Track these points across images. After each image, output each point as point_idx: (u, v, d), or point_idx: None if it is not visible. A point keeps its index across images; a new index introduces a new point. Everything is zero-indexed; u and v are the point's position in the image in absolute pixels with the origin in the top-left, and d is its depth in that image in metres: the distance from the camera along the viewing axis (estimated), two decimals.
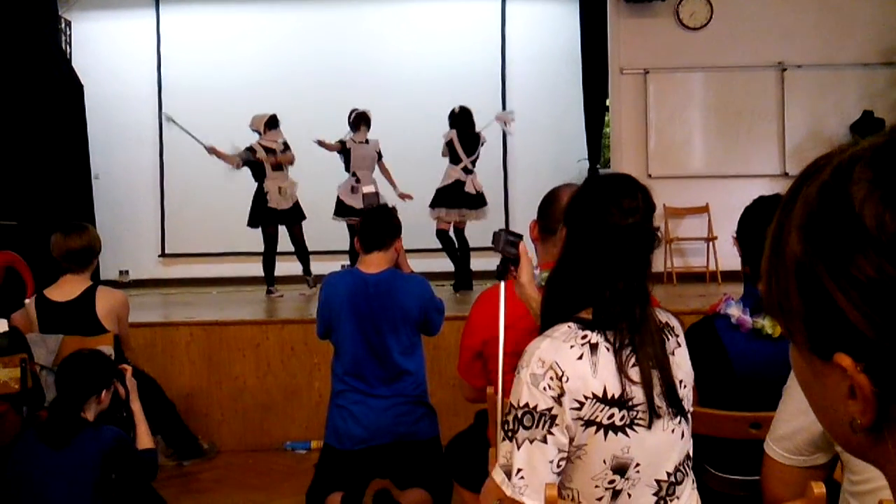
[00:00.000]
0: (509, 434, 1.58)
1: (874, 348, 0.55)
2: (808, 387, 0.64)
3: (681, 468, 1.65)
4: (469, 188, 7.03)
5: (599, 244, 1.65)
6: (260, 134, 7.14)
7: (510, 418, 1.59)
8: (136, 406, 3.06)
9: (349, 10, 9.35)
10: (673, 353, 1.67)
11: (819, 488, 1.52)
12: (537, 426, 1.55)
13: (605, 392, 1.56)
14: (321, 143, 7.32)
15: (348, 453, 3.24)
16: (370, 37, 9.31)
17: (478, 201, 7.14)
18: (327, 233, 7.80)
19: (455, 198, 7.04)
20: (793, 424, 1.62)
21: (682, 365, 1.68)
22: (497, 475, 1.59)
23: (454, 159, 7.08)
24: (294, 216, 7.18)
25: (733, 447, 2.05)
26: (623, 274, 1.63)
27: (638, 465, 1.60)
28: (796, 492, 1.60)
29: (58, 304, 3.73)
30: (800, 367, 0.64)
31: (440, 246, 7.33)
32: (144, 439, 3.00)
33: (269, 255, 7.17)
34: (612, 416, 1.57)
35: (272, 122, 7.16)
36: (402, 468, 3.27)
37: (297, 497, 3.66)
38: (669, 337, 1.69)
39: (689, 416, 1.68)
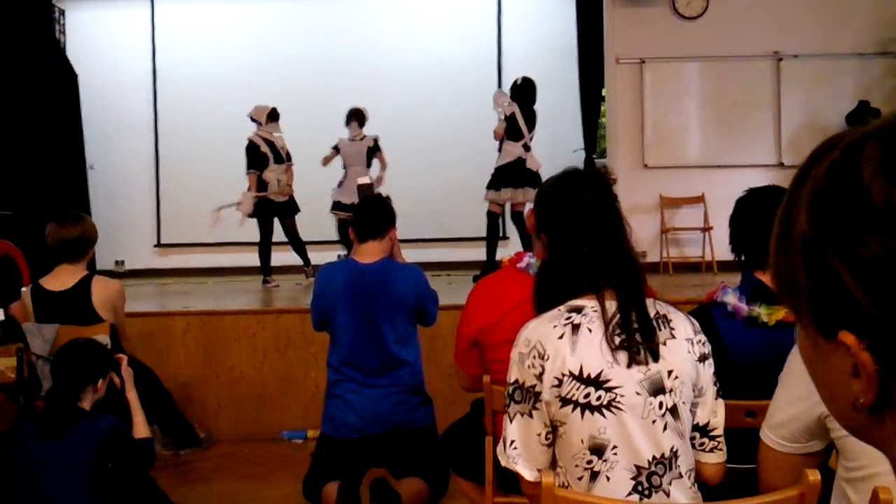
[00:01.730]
0: (506, 408, 1.72)
1: (878, 326, 0.55)
2: (813, 367, 0.64)
3: (663, 461, 1.64)
4: (531, 165, 6.60)
5: (570, 221, 1.77)
6: (259, 124, 7.12)
7: (506, 393, 1.71)
8: (132, 395, 3.05)
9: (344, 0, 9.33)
10: (664, 344, 1.68)
11: (814, 475, 1.52)
12: (525, 401, 1.66)
13: (581, 370, 1.61)
14: (326, 162, 7.44)
15: (345, 442, 3.25)
16: (366, 26, 9.28)
17: (538, 180, 6.53)
18: (323, 223, 7.80)
19: (519, 176, 6.58)
20: (788, 412, 1.63)
21: (676, 355, 1.68)
22: (500, 445, 1.73)
23: (515, 136, 6.60)
24: (288, 209, 7.17)
25: (729, 435, 2.06)
26: (599, 229, 1.73)
27: (615, 447, 1.62)
28: (791, 479, 1.60)
29: (53, 293, 3.72)
30: (805, 347, 0.64)
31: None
32: (141, 428, 3.00)
33: (266, 245, 7.17)
34: (588, 395, 1.61)
35: (273, 115, 7.15)
36: (398, 457, 3.28)
37: (294, 486, 3.67)
38: (663, 327, 1.70)
39: (679, 411, 1.66)
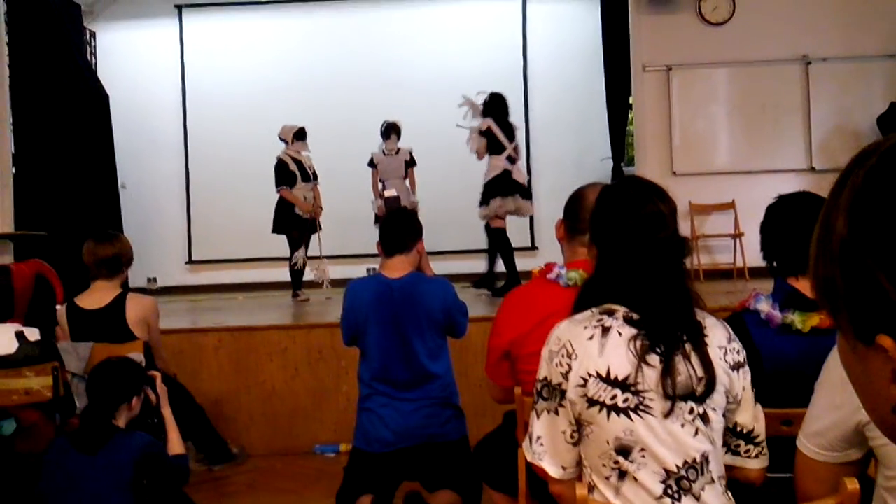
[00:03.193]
0: (534, 404, 1.74)
1: None
2: (852, 372, 0.65)
3: (695, 467, 1.62)
4: (517, 177, 6.62)
5: (633, 262, 1.70)
6: (287, 143, 7.25)
7: (535, 390, 1.74)
8: (166, 412, 3.08)
9: (370, 13, 9.40)
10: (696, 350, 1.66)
11: (853, 484, 1.50)
12: (552, 398, 1.68)
13: (608, 372, 1.61)
14: (376, 187, 7.56)
15: (377, 456, 3.24)
16: (392, 39, 9.35)
17: (526, 192, 6.73)
18: (351, 237, 7.84)
19: (507, 186, 6.57)
20: (825, 420, 1.60)
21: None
22: (525, 441, 1.75)
23: (496, 149, 6.61)
24: (312, 226, 7.33)
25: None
26: (665, 286, 1.68)
27: (643, 450, 1.61)
28: (830, 488, 1.58)
29: (88, 311, 3.77)
30: (845, 352, 0.65)
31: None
32: (176, 445, 3.02)
33: (295, 261, 7.25)
34: (614, 397, 1.61)
35: (300, 134, 7.29)
36: (431, 470, 3.27)
37: (328, 500, 3.67)
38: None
39: (710, 417, 1.64)
